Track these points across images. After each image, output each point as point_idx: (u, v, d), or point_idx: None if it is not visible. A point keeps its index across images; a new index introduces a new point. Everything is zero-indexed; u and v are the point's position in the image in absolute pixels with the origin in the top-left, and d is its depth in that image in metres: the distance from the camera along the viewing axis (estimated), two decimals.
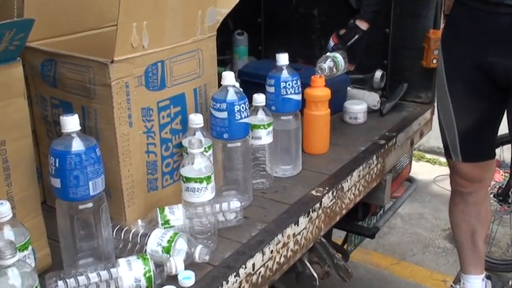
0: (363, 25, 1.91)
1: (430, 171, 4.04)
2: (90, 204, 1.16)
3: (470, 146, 1.80)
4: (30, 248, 1.07)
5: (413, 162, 2.80)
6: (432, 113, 2.38)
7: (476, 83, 1.68)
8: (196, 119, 1.41)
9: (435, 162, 4.24)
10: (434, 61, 2.19)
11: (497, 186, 2.92)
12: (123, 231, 1.30)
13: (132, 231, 1.30)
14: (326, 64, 1.85)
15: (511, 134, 1.69)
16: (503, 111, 1.72)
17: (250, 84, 2.01)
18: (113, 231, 1.27)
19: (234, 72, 2.45)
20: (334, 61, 1.88)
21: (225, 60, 2.67)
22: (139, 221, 1.36)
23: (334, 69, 1.87)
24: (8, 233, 1.01)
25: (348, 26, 1.97)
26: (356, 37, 1.91)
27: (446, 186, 3.16)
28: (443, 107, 1.82)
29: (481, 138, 1.80)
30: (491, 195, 2.92)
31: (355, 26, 1.91)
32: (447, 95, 1.78)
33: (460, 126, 1.78)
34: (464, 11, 1.64)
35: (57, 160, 1.11)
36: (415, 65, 2.35)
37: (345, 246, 2.37)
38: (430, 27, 2.26)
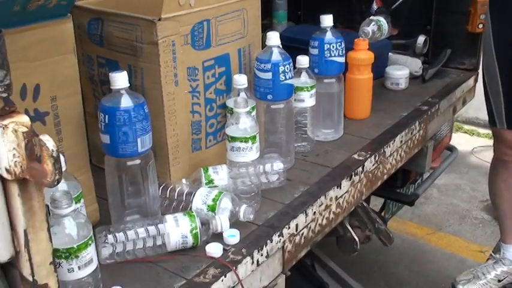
0: None
1: (468, 142, 3.96)
2: (138, 161, 1.18)
3: None
4: (82, 200, 1.09)
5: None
6: (476, 80, 2.32)
7: None
8: (241, 80, 1.40)
9: (473, 133, 4.15)
10: (481, 26, 2.12)
11: None
12: (169, 189, 1.31)
13: (178, 190, 1.31)
14: (370, 28, 1.82)
15: None
16: None
17: (290, 48, 1.99)
18: (158, 189, 1.28)
19: None
20: (378, 25, 1.84)
21: (264, 25, 2.63)
22: (184, 180, 1.37)
23: (378, 33, 1.84)
24: (62, 185, 1.03)
25: None
26: (400, 0, 1.86)
27: (484, 157, 3.11)
28: (490, 73, 1.77)
29: None
30: None
31: None
32: (494, 61, 1.74)
33: (507, 93, 1.74)
34: None
35: (106, 116, 1.12)
36: (460, 30, 2.28)
37: (382, 214, 2.36)
38: None
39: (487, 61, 1.78)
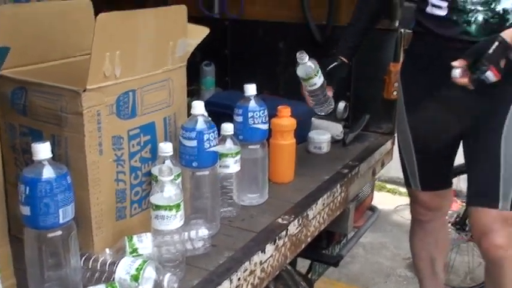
0: (342, 58, 1.96)
1: (391, 201, 4.13)
2: (59, 232, 1.16)
3: (428, 175, 1.87)
4: None
5: (375, 192, 2.88)
6: (393, 143, 2.46)
7: (433, 114, 1.76)
8: (166, 147, 1.43)
9: (396, 192, 4.34)
10: (395, 93, 2.28)
11: (455, 215, 3.02)
12: (91, 260, 1.29)
13: (100, 260, 1.29)
14: (308, 60, 1.82)
15: (466, 164, 1.77)
16: (459, 141, 1.80)
17: (217, 114, 2.04)
18: (80, 260, 1.26)
19: None
20: (314, 64, 1.85)
21: (192, 91, 2.70)
22: (107, 250, 1.35)
23: (314, 71, 1.84)
24: None
25: (330, 54, 2.02)
26: (335, 64, 1.94)
27: (406, 215, 3.24)
28: (403, 137, 1.89)
29: (439, 167, 1.87)
30: (449, 224, 3.01)
31: (335, 55, 1.96)
32: (406, 126, 1.86)
33: (419, 156, 1.85)
34: (421, 44, 1.72)
35: (27, 188, 1.11)
36: (377, 96, 2.44)
37: (309, 275, 2.40)
38: (390, 60, 2.36)
39: (400, 126, 1.90)
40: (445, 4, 1.62)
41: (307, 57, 1.80)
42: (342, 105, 2.44)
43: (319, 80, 1.83)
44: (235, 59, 2.81)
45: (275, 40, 2.67)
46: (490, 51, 1.44)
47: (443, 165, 1.88)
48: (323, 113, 1.97)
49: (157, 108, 1.48)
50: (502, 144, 1.61)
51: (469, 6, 1.56)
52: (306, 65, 1.79)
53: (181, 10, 1.47)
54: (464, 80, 1.49)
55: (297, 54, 1.78)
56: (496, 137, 1.61)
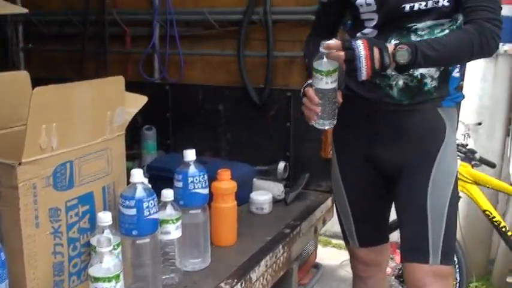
0: None
1: (337, 256, 4.16)
2: None
3: (365, 233, 1.93)
4: None
5: (320, 248, 2.92)
6: (333, 201, 2.51)
7: (366, 173, 1.83)
8: (105, 217, 1.43)
9: (341, 247, 4.38)
10: (332, 152, 2.36)
11: (398, 268, 3.09)
12: None
13: None
14: None
15: (398, 219, 1.84)
16: (392, 198, 1.87)
17: (159, 178, 2.06)
18: None
19: (143, 167, 2.52)
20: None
21: (133, 155, 2.71)
22: None
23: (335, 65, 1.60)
24: None
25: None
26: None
27: (351, 270, 3.28)
28: (339, 197, 1.95)
29: (375, 224, 1.93)
30: (393, 277, 3.07)
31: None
32: (341, 186, 1.92)
33: (355, 214, 1.91)
34: (349, 107, 1.81)
35: None
36: (315, 155, 2.52)
37: None
38: None
39: (335, 186, 1.96)
40: None
41: None
42: (281, 165, 2.50)
43: (334, 82, 1.59)
44: (176, 122, 2.85)
45: (215, 103, 2.74)
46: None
47: (379, 222, 1.95)
48: (326, 127, 1.69)
49: (96, 177, 1.48)
50: (428, 199, 1.69)
51: (390, 72, 1.66)
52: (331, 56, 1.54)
53: (119, 81, 1.50)
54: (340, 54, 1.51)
55: (322, 43, 1.54)
56: (422, 193, 1.69)
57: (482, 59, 3.20)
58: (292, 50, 2.56)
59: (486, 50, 1.57)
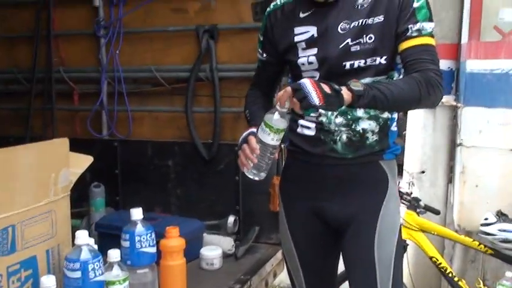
0: None
1: None
2: None
3: (314, 285, 1.94)
4: None
5: None
6: (283, 253, 2.54)
7: (313, 226, 1.86)
8: (48, 282, 1.40)
9: None
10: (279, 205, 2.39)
11: None
12: None
13: None
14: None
15: (347, 271, 1.87)
16: (339, 250, 1.90)
17: (108, 236, 2.04)
18: None
19: (91, 225, 2.48)
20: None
21: (81, 213, 2.67)
22: None
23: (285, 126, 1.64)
24: None
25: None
26: None
27: None
28: (288, 250, 1.96)
29: (324, 276, 1.94)
30: None
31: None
32: (290, 239, 1.93)
33: (304, 267, 1.92)
34: (295, 161, 1.85)
35: None
36: (264, 208, 2.54)
37: None
38: (274, 173, 2.50)
39: (284, 240, 1.96)
40: (313, 125, 1.78)
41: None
42: (231, 219, 2.51)
43: (279, 140, 1.61)
44: (125, 178, 2.84)
45: (164, 158, 2.75)
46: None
47: (328, 274, 1.96)
48: (256, 178, 1.70)
49: (40, 240, 1.47)
50: (376, 253, 1.72)
51: (333, 127, 1.72)
52: (285, 114, 1.57)
53: (63, 143, 1.51)
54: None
55: (278, 103, 1.55)
56: (369, 246, 1.73)
57: (422, 110, 3.38)
58: (239, 106, 2.61)
59: (433, 97, 1.63)
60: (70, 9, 2.92)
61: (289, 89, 1.49)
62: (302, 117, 1.78)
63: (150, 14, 2.75)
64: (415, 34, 1.62)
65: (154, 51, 2.78)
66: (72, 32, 2.95)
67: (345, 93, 1.48)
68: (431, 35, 1.63)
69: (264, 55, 1.85)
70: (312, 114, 1.72)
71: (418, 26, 1.61)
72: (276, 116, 1.55)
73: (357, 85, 1.50)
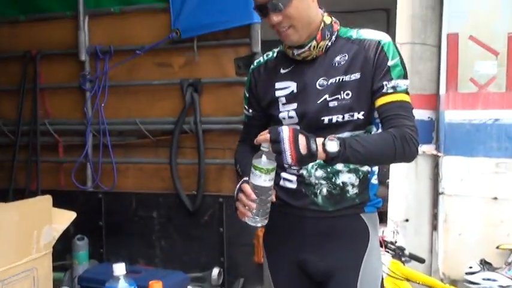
0: None
1: None
2: None
3: None
4: None
5: None
6: None
7: (296, 278, 1.85)
8: None
9: None
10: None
11: None
12: None
13: None
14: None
15: None
16: None
17: None
18: None
19: (74, 278, 2.45)
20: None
21: (65, 266, 2.64)
22: None
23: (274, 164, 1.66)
24: None
25: None
26: None
27: None
28: None
29: None
30: None
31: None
32: None
33: None
34: (277, 214, 1.86)
35: None
36: (249, 260, 2.54)
37: None
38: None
39: None
40: (294, 178, 1.80)
41: None
42: (216, 271, 2.50)
43: (271, 180, 1.62)
44: (109, 230, 2.83)
45: (148, 210, 2.75)
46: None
47: None
48: (258, 225, 1.72)
49: None
50: None
51: (313, 180, 1.75)
52: (271, 154, 1.56)
53: (46, 200, 1.52)
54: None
55: (262, 144, 1.57)
56: None
57: None
58: (223, 157, 2.66)
59: (408, 152, 1.67)
60: (57, 63, 2.97)
61: (268, 137, 1.51)
62: (284, 170, 1.81)
63: (135, 68, 2.81)
64: (390, 91, 1.66)
65: (139, 104, 2.82)
66: (58, 86, 2.99)
67: (320, 153, 1.52)
68: (406, 91, 1.68)
69: (250, 110, 1.89)
70: (293, 168, 1.75)
71: (393, 83, 1.66)
72: (263, 157, 1.58)
73: (333, 145, 1.52)
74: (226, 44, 2.63)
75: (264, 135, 1.54)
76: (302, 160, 1.51)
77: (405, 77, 1.68)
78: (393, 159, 1.70)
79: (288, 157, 1.48)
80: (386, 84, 1.65)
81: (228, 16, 2.54)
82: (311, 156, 1.52)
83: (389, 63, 1.66)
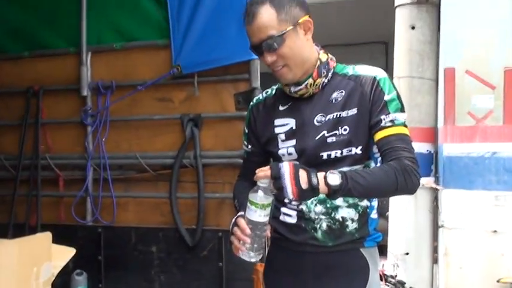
0: None
1: None
2: None
3: None
4: None
5: None
6: None
7: None
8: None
9: None
10: None
11: None
12: None
13: None
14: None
15: None
16: None
17: None
18: None
19: None
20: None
21: None
22: None
23: (270, 199, 1.66)
24: None
25: None
26: None
27: None
28: None
29: None
30: None
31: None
32: None
33: None
34: (277, 249, 1.87)
35: None
36: None
37: None
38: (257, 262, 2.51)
39: None
40: (294, 213, 1.81)
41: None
42: None
43: (267, 216, 1.61)
44: (109, 264, 2.82)
45: (148, 244, 2.75)
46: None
47: None
48: (253, 260, 1.70)
49: None
50: None
51: (313, 215, 1.76)
52: (268, 190, 1.57)
53: (46, 237, 1.52)
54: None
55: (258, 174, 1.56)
56: None
57: None
58: (223, 192, 2.66)
59: (410, 184, 1.66)
60: (59, 98, 3.01)
61: (269, 173, 1.51)
62: (284, 205, 1.82)
63: (136, 103, 2.84)
64: (388, 124, 1.67)
65: (140, 138, 2.85)
66: (59, 121, 3.02)
67: (322, 187, 1.52)
68: (404, 125, 1.69)
69: (249, 146, 1.91)
70: (293, 202, 1.76)
71: (391, 117, 1.67)
72: (260, 192, 1.57)
73: (335, 178, 1.52)
74: (226, 79, 2.67)
75: (265, 172, 1.53)
76: (303, 195, 1.51)
77: (402, 110, 1.70)
78: (395, 190, 1.68)
79: (289, 192, 1.48)
80: (384, 118, 1.67)
81: (228, 52, 2.59)
82: (312, 190, 1.51)
83: (386, 97, 1.68)
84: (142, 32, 2.83)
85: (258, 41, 1.63)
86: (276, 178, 1.51)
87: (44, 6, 2.98)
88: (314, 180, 1.52)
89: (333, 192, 1.54)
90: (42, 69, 3.02)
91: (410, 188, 1.68)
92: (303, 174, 1.52)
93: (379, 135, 1.67)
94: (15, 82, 3.07)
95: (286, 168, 1.51)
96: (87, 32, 2.90)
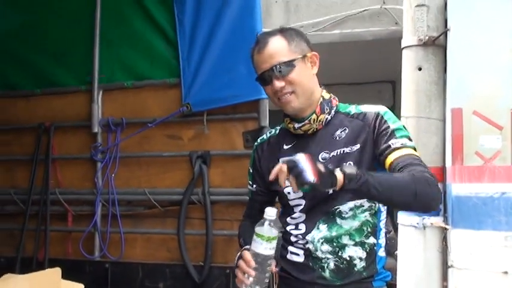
0: None
1: None
2: None
3: None
4: None
5: None
6: None
7: None
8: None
9: None
10: None
11: None
12: None
13: None
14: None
15: None
16: None
17: None
18: None
19: None
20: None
21: None
22: None
23: (276, 234, 1.67)
24: None
25: None
26: None
27: None
28: None
29: None
30: None
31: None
32: None
33: None
34: (284, 286, 1.87)
35: None
36: None
37: None
38: None
39: None
40: (301, 252, 1.81)
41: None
42: None
43: (272, 249, 1.61)
44: None
45: (155, 281, 2.74)
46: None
47: None
48: None
49: None
50: None
51: (320, 255, 1.76)
52: (274, 222, 1.57)
53: (56, 273, 1.53)
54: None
55: (267, 209, 1.58)
56: None
57: (412, 228, 3.40)
58: (231, 229, 2.67)
59: (430, 194, 1.58)
60: (69, 134, 3.05)
61: (284, 167, 1.49)
62: (291, 244, 1.82)
63: (146, 140, 2.88)
64: (399, 146, 1.65)
65: (149, 175, 2.87)
66: (70, 157, 3.06)
67: (338, 174, 1.49)
68: (414, 148, 1.67)
69: (254, 186, 1.93)
70: (299, 242, 1.76)
71: (400, 141, 1.65)
72: (265, 224, 1.58)
73: (350, 168, 1.52)
74: (235, 118, 2.71)
75: (280, 166, 1.50)
76: (323, 177, 1.46)
77: (410, 139, 1.70)
78: (414, 196, 1.58)
79: (310, 174, 1.44)
80: (393, 143, 1.64)
81: (237, 91, 2.63)
82: (330, 174, 1.48)
83: (392, 126, 1.69)
84: (153, 71, 2.89)
85: (269, 67, 1.66)
86: (293, 166, 1.47)
87: (57, 44, 3.05)
88: (330, 166, 1.51)
89: (349, 181, 1.50)
90: (53, 106, 3.08)
91: (431, 198, 1.62)
92: (317, 163, 1.49)
93: (391, 158, 1.64)
94: (27, 118, 3.13)
95: (300, 155, 1.49)
96: (99, 70, 2.97)
